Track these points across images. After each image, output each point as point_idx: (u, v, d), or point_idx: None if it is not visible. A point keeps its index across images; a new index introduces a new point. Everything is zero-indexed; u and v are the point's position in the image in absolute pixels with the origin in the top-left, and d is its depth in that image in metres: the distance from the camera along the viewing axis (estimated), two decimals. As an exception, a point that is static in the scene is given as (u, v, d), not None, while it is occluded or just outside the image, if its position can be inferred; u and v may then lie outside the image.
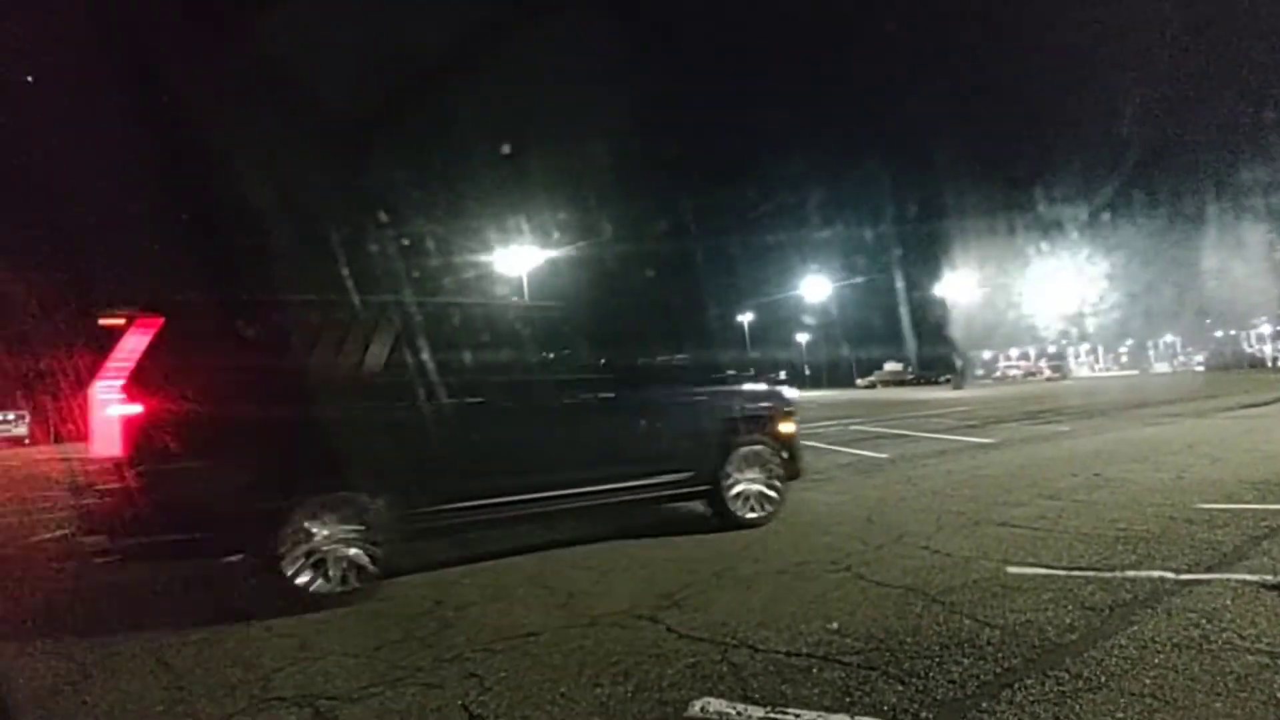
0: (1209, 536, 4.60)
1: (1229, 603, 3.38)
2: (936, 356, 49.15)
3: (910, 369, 56.97)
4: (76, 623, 4.02)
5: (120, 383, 3.95)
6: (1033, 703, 2.49)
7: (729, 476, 5.61)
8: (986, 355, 64.32)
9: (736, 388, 6.05)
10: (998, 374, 62.08)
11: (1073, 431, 12.29)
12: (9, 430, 41.87)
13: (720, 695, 2.68)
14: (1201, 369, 53.44)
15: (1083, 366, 64.32)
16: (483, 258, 29.79)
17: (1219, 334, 62.63)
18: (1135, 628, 3.13)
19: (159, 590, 4.66)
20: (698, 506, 5.88)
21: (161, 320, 4.12)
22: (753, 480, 5.71)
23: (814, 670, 2.86)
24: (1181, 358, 61.85)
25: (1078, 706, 2.45)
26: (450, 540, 5.36)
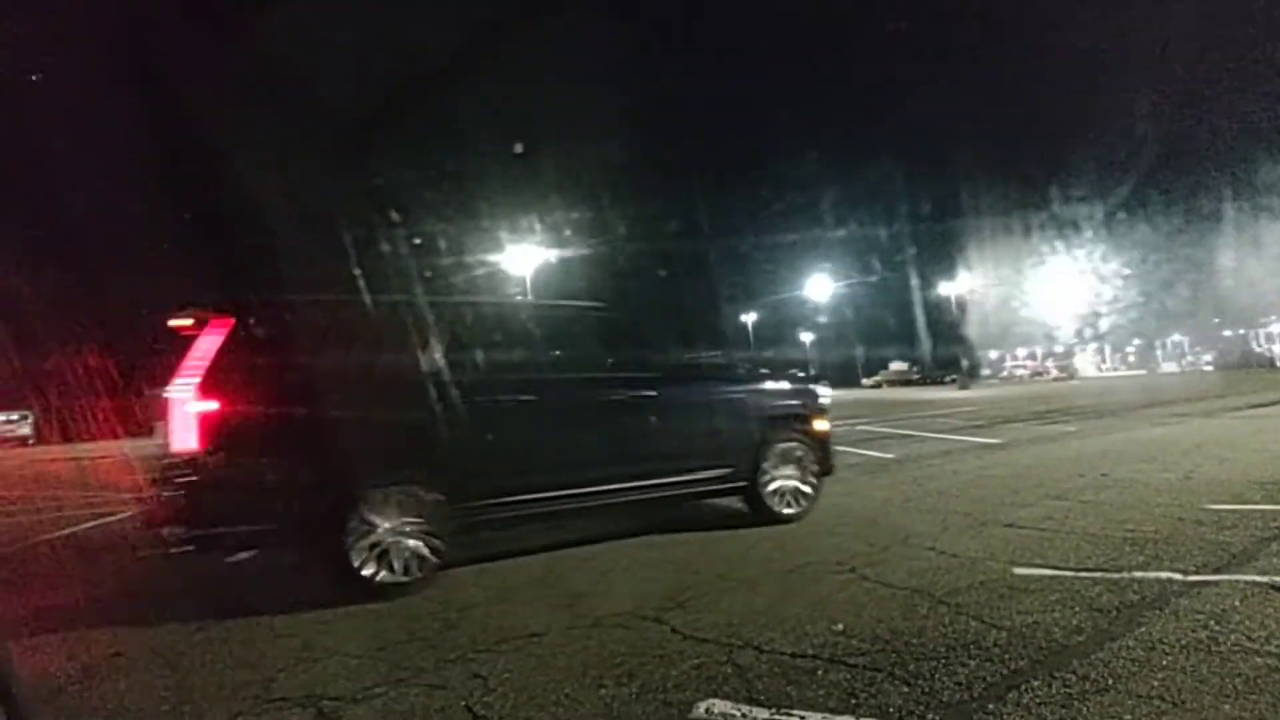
0: (1217, 537, 4.57)
1: (1238, 604, 3.35)
2: (942, 356, 49.04)
3: (916, 369, 56.85)
4: (81, 623, 4.02)
5: (197, 381, 4.12)
6: (1039, 705, 2.48)
7: (765, 473, 5.75)
8: (993, 355, 64.16)
9: (772, 386, 6.17)
10: (1004, 374, 61.94)
11: (1080, 432, 12.24)
12: (13, 430, 42.11)
13: (725, 696, 2.67)
14: (1210, 369, 53.19)
15: (1090, 366, 64.01)
16: (489, 256, 29.86)
17: (1228, 333, 62.35)
18: (1143, 629, 3.11)
19: (164, 590, 4.67)
20: (725, 503, 5.96)
21: (232, 321, 4.30)
22: (788, 476, 5.85)
23: (819, 672, 2.85)
24: (1190, 357, 61.55)
25: (1085, 708, 2.43)
26: (461, 540, 5.38)
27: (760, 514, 5.74)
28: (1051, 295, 53.12)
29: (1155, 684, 2.58)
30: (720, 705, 2.60)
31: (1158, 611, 3.32)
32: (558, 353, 5.38)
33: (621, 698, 2.71)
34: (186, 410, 4.09)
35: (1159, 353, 63.16)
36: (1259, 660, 2.74)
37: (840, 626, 3.33)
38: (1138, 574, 3.89)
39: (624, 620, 3.60)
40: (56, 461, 22.42)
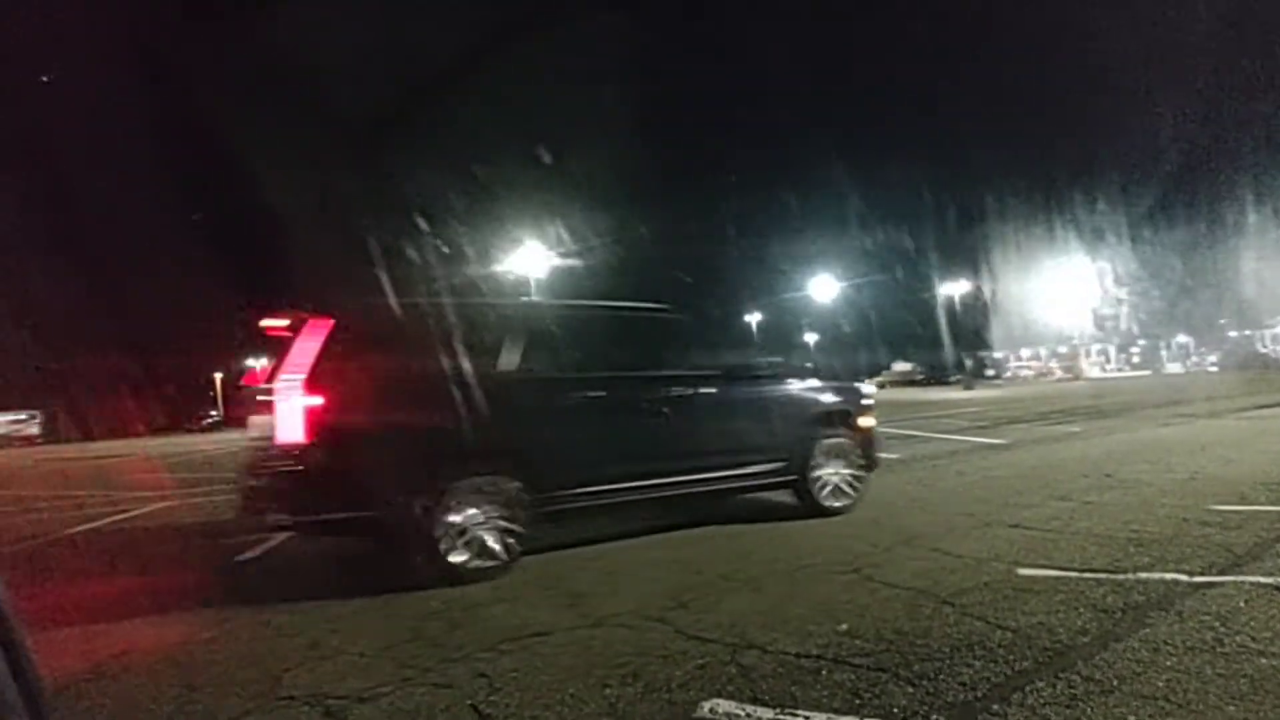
0: (1222, 538, 4.56)
1: (1243, 605, 3.35)
2: (946, 357, 48.89)
3: (920, 369, 56.70)
4: (91, 620, 4.04)
5: (302, 378, 4.37)
6: (1044, 705, 2.47)
7: (815, 467, 6.02)
8: (997, 355, 63.91)
9: (820, 384, 6.44)
10: (1008, 374, 61.69)
11: (1084, 432, 12.21)
12: (21, 430, 42.31)
13: (729, 696, 2.67)
14: (1215, 370, 52.96)
15: (1094, 367, 63.77)
16: (499, 257, 29.92)
17: (1233, 334, 62.09)
18: (1148, 630, 3.10)
19: (173, 588, 4.69)
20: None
21: (332, 322, 4.56)
22: (836, 471, 6.12)
23: (823, 672, 2.85)
24: (1195, 358, 61.23)
25: (1089, 709, 2.43)
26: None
27: (809, 507, 6.01)
28: (1057, 296, 53.02)
29: (1160, 685, 2.58)
30: (724, 705, 2.61)
31: (1163, 613, 3.31)
32: (626, 352, 5.65)
33: (626, 697, 2.72)
34: (293, 405, 4.34)
35: (1164, 354, 62.84)
36: (1264, 661, 2.73)
37: (844, 627, 3.33)
38: (1143, 575, 3.89)
39: (628, 620, 3.61)
40: (75, 460, 22.51)
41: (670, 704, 2.65)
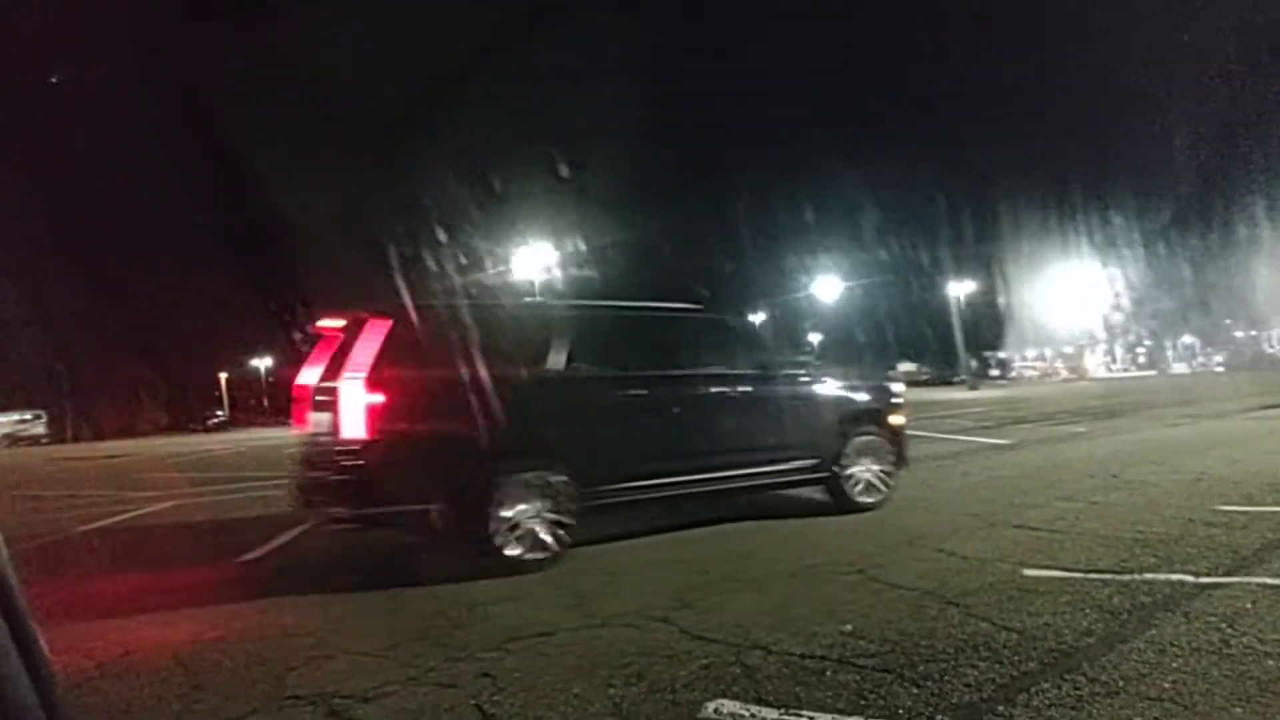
0: (1229, 539, 4.54)
1: (1249, 606, 3.33)
2: (951, 356, 48.72)
3: (924, 369, 56.57)
4: (98, 619, 4.05)
5: (363, 376, 4.53)
6: (1049, 707, 2.47)
7: (847, 464, 6.12)
8: (1002, 355, 63.74)
9: (853, 383, 6.58)
10: (1013, 374, 61.52)
11: (1089, 433, 12.18)
12: (27, 429, 42.52)
13: (734, 697, 2.67)
14: (1221, 370, 52.74)
15: (1099, 367, 63.54)
16: (502, 261, 29.95)
17: (1239, 334, 61.81)
18: (1154, 631, 3.09)
19: (178, 588, 4.70)
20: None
21: (390, 323, 4.72)
22: (867, 468, 6.20)
23: (828, 673, 2.85)
24: (1200, 358, 60.96)
25: (1095, 711, 2.42)
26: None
27: (842, 502, 6.11)
28: (1062, 296, 52.81)
29: (1166, 686, 2.57)
30: (729, 705, 2.61)
31: (1169, 614, 3.30)
32: (667, 352, 5.83)
33: (630, 697, 2.72)
34: (356, 402, 4.52)
35: (1170, 354, 62.57)
36: (1271, 663, 2.72)
37: (849, 627, 3.33)
38: (1149, 576, 3.87)
39: (632, 620, 3.61)
40: (82, 459, 22.60)
41: (675, 704, 2.65)
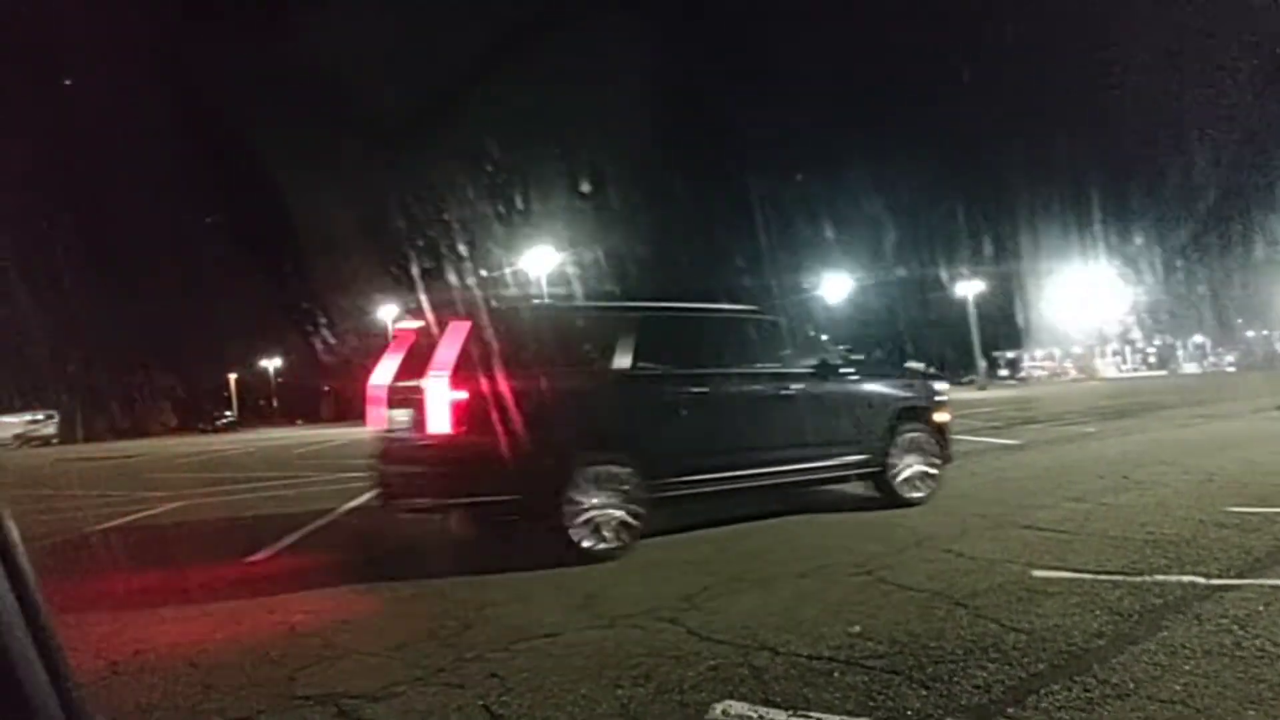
0: (1241, 541, 4.51)
1: (1261, 609, 3.31)
2: (962, 357, 48.50)
3: (933, 369, 56.32)
4: (108, 618, 4.07)
5: (447, 374, 4.78)
6: (1059, 709, 2.45)
7: (894, 459, 6.29)
8: (1011, 355, 63.48)
9: (899, 380, 6.87)
10: (1022, 374, 61.31)
11: (1099, 433, 12.12)
12: (38, 429, 42.83)
13: (741, 698, 2.67)
14: (1232, 369, 52.39)
15: (1109, 367, 63.20)
16: (509, 261, 30.02)
17: (1251, 334, 61.39)
18: (1165, 633, 3.07)
19: (187, 588, 4.72)
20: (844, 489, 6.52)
21: (470, 324, 4.97)
22: (914, 463, 6.36)
23: (836, 674, 2.84)
24: (1211, 358, 60.58)
25: (1105, 713, 2.41)
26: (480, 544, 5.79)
27: (889, 497, 6.27)
28: (1072, 296, 52.53)
29: (1177, 689, 2.55)
30: (737, 707, 2.60)
31: (1180, 615, 3.28)
32: (727, 351, 6.08)
33: (638, 698, 2.72)
34: (441, 399, 4.77)
35: (1180, 354, 62.18)
36: (1284, 666, 2.70)
37: (857, 629, 3.32)
38: (1159, 577, 3.85)
39: (640, 621, 3.61)
40: (93, 460, 22.73)
41: (682, 705, 2.65)
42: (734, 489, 5.67)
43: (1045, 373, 62.10)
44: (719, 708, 2.60)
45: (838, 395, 6.25)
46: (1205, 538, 4.62)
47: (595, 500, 5.00)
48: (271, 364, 67.56)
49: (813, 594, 3.94)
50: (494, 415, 4.79)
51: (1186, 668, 2.72)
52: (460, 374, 4.79)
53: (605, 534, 4.98)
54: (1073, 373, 60.35)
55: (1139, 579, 3.84)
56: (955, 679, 2.73)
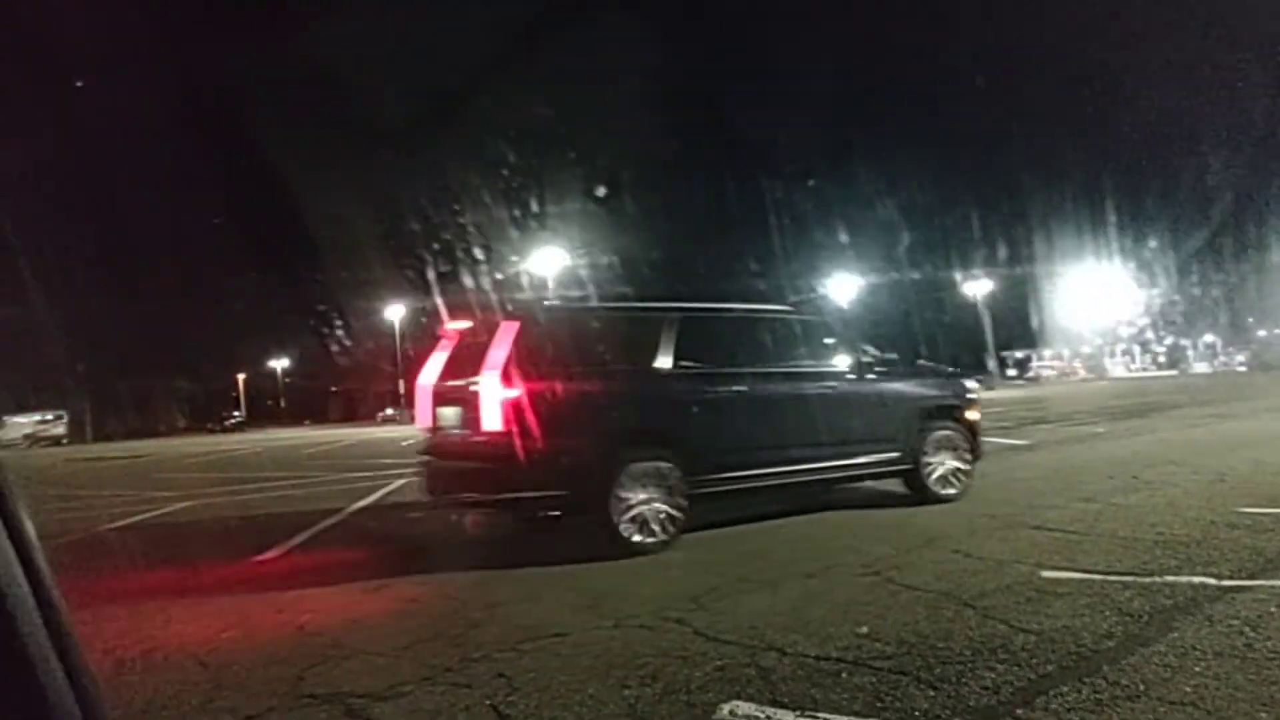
0: (1252, 542, 4.47)
1: (1274, 610, 3.28)
2: (968, 356, 48.34)
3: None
4: (117, 616, 4.09)
5: (499, 373, 4.93)
6: (1069, 710, 2.44)
7: (927, 457, 6.37)
8: (1019, 355, 63.17)
9: (930, 379, 7.00)
10: (1031, 374, 60.98)
11: (1109, 433, 12.06)
12: (48, 429, 43.13)
13: (749, 699, 2.66)
14: (1244, 369, 52.01)
15: (1118, 366, 62.83)
16: (516, 262, 30.07)
17: (1262, 333, 60.95)
18: (1175, 635, 3.05)
19: (195, 587, 4.75)
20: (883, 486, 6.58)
21: (519, 325, 5.12)
22: (945, 461, 6.44)
23: (844, 675, 2.83)
24: (1222, 358, 60.14)
25: (1115, 715, 2.39)
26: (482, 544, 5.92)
27: (921, 494, 6.34)
28: (1082, 296, 52.30)
29: (1188, 690, 2.53)
30: (744, 707, 2.60)
31: (1190, 617, 3.26)
32: (766, 350, 6.19)
33: (645, 699, 2.72)
34: (494, 397, 4.92)
35: (1191, 353, 61.75)
36: (1296, 668, 2.68)
37: (865, 629, 3.31)
38: (1169, 578, 3.83)
39: (647, 621, 3.60)
40: (103, 460, 22.86)
41: (690, 705, 2.64)
42: (772, 485, 5.78)
43: (1054, 372, 61.74)
44: (726, 708, 2.59)
45: (872, 393, 6.34)
46: (1216, 539, 4.59)
47: (641, 496, 5.10)
48: (280, 365, 67.86)
49: (820, 594, 3.93)
50: (544, 413, 4.93)
51: (1197, 669, 2.70)
52: (511, 373, 4.93)
53: (651, 528, 5.08)
54: (1082, 372, 60.02)
55: (1149, 580, 3.81)
56: (963, 680, 2.72)
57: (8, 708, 0.77)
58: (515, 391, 4.90)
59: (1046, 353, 64.17)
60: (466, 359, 5.40)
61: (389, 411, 49.56)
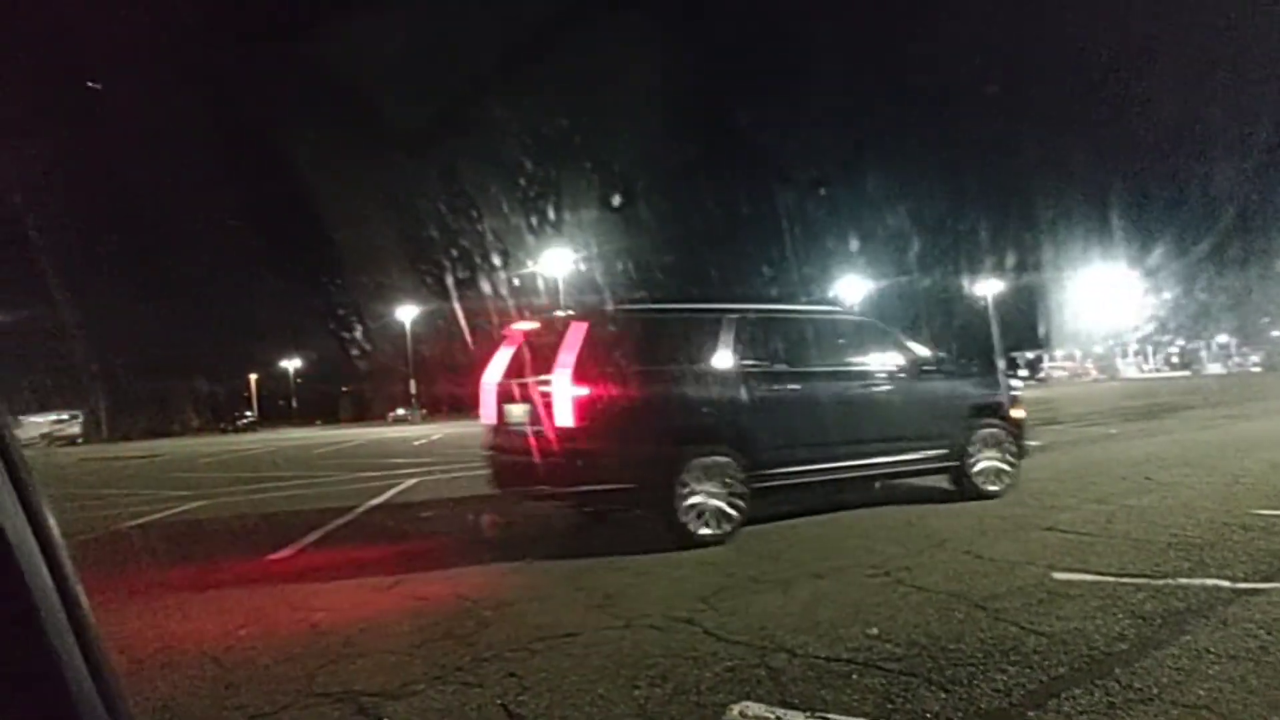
0: (1267, 544, 4.44)
1: (1289, 613, 3.25)
2: (979, 357, 48.04)
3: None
4: (132, 616, 4.14)
5: (569, 371, 5.11)
6: (1081, 713, 2.43)
7: (973, 454, 6.48)
8: (1031, 355, 62.76)
9: (976, 378, 7.17)
10: (1042, 374, 60.57)
11: (1121, 434, 11.98)
12: (63, 429, 43.51)
13: (759, 699, 2.66)
14: (1258, 370, 51.50)
15: (1131, 367, 62.33)
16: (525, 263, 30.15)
17: (1276, 334, 60.33)
18: (1188, 638, 3.03)
19: (208, 585, 4.79)
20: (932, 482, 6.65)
21: (588, 325, 5.33)
22: (990, 458, 6.54)
23: (854, 676, 2.83)
24: (1236, 358, 59.56)
25: (1128, 718, 2.38)
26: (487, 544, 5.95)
27: (966, 491, 6.44)
28: (1094, 297, 51.90)
29: (1201, 694, 2.52)
30: (754, 708, 2.60)
31: (1204, 619, 3.24)
32: (821, 350, 6.36)
33: (655, 699, 2.72)
34: (565, 394, 5.09)
35: (1204, 354, 61.18)
36: (1311, 671, 2.65)
37: (875, 630, 3.30)
38: (1183, 581, 3.80)
39: (657, 621, 3.61)
40: (119, 459, 23.06)
41: (700, 706, 2.65)
42: (828, 480, 5.99)
43: (1066, 373, 61.29)
44: (736, 709, 2.60)
45: (922, 391, 6.47)
46: (1230, 541, 4.55)
47: (703, 489, 5.27)
48: (291, 365, 68.27)
49: (830, 595, 3.93)
50: (612, 410, 5.17)
51: (1211, 672, 2.68)
52: (581, 371, 5.11)
53: (713, 521, 5.24)
54: (1094, 373, 59.58)
55: (1162, 582, 3.79)
56: (975, 682, 2.72)
57: (33, 703, 0.78)
58: (585, 389, 5.09)
59: (1058, 353, 63.73)
60: (534, 358, 5.65)
61: (400, 411, 49.82)
